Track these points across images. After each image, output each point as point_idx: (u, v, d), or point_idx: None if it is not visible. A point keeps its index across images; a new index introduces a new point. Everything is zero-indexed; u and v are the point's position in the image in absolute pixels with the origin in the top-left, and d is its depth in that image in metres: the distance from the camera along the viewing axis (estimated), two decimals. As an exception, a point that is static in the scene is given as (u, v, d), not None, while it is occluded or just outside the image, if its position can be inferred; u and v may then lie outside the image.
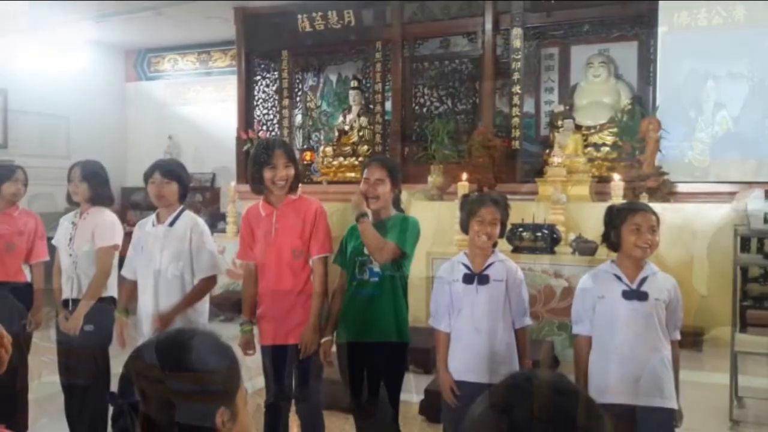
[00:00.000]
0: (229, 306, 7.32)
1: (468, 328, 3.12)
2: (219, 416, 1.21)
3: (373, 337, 3.23)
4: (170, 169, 3.61)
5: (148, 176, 3.59)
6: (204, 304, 3.66)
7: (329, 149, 9.60)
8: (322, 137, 10.21)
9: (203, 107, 11.58)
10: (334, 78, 10.53)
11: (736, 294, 4.81)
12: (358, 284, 3.28)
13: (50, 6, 9.42)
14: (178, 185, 3.60)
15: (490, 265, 3.14)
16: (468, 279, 3.11)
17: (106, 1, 9.19)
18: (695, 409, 4.63)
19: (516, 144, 8.44)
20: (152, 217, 3.66)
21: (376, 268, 3.25)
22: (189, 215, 3.64)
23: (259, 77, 10.28)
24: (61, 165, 9.00)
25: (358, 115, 9.61)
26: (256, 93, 10.29)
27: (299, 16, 9.49)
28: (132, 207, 11.43)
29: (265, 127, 10.07)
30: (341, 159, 9.34)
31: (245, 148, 9.69)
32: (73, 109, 11.18)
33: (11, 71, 10.27)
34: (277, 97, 10.15)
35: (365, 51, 9.58)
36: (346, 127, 9.68)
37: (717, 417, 4.52)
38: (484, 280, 3.09)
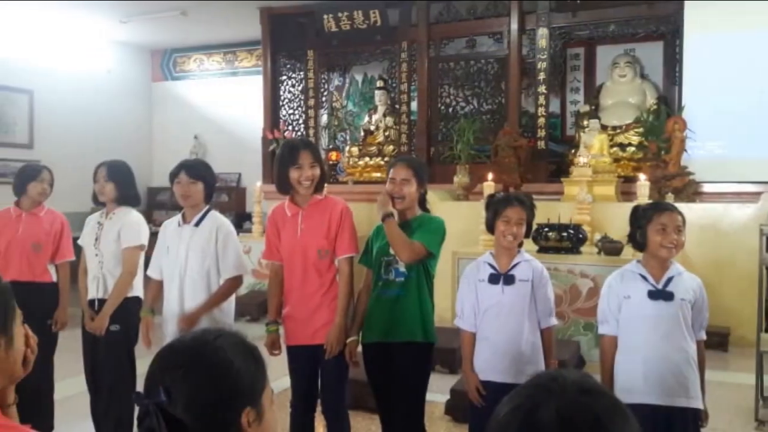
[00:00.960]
0: (255, 306, 7.50)
1: (493, 328, 3.14)
2: (245, 416, 1.20)
3: (399, 337, 3.23)
4: (196, 169, 3.60)
5: (174, 176, 3.58)
6: (230, 304, 3.66)
7: (355, 149, 9.72)
8: (347, 137, 10.35)
9: (229, 107, 11.70)
10: (359, 78, 10.67)
11: (762, 294, 4.89)
12: (384, 284, 3.28)
13: (75, 7, 9.67)
14: (204, 185, 3.59)
15: (515, 265, 3.16)
16: (494, 279, 3.15)
17: (133, 1, 9.37)
18: (721, 409, 4.68)
19: (542, 144, 8.56)
20: (178, 217, 3.66)
21: (402, 268, 3.25)
22: (215, 215, 3.63)
23: (284, 77, 10.41)
24: (86, 165, 9.34)
25: (384, 115, 9.74)
26: (281, 93, 10.41)
27: (325, 16, 9.59)
28: (158, 207, 11.61)
29: (290, 127, 10.21)
30: (367, 159, 9.46)
31: (271, 148, 9.79)
32: (99, 109, 11.34)
33: (37, 72, 10.44)
34: (302, 97, 10.28)
35: (391, 51, 9.71)
36: (372, 127, 9.81)
37: (742, 417, 4.58)
38: (509, 280, 3.13)
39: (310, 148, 3.40)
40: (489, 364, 3.14)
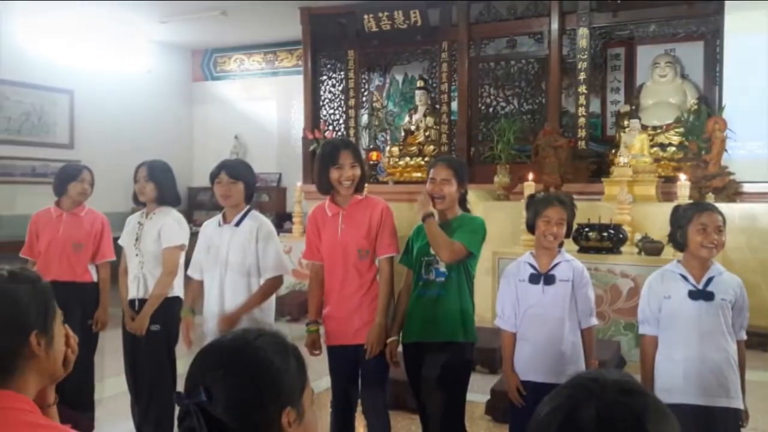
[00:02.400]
0: (295, 306, 7.52)
1: (534, 328, 3.18)
2: (285, 416, 1.20)
3: (439, 337, 3.25)
4: (236, 169, 3.63)
5: (214, 176, 3.61)
6: (270, 304, 3.67)
7: (395, 149, 9.82)
8: (388, 137, 10.50)
9: (269, 107, 11.93)
10: (400, 78, 10.81)
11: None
12: (424, 284, 3.31)
13: (116, 7, 9.83)
14: (244, 185, 3.61)
15: (556, 265, 3.19)
16: (534, 279, 3.18)
17: (173, 1, 9.64)
18: (762, 410, 4.74)
19: (582, 144, 8.70)
20: (218, 217, 3.68)
21: (443, 268, 3.27)
22: (255, 215, 3.66)
23: (325, 77, 10.56)
24: (127, 165, 9.50)
25: (424, 115, 9.85)
26: (322, 93, 10.57)
27: (365, 16, 9.73)
28: (198, 207, 11.75)
29: (331, 127, 10.38)
30: (407, 159, 9.58)
31: (311, 148, 10.00)
32: (139, 109, 11.49)
33: (78, 72, 10.62)
34: (343, 97, 10.42)
35: (431, 51, 9.87)
36: (413, 127, 9.93)
37: None
38: (550, 280, 3.16)
39: (350, 148, 3.45)
40: (529, 364, 3.20)
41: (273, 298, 3.72)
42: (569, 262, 3.26)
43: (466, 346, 3.34)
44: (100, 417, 4.35)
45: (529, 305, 3.21)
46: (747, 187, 7.42)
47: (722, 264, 3.10)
